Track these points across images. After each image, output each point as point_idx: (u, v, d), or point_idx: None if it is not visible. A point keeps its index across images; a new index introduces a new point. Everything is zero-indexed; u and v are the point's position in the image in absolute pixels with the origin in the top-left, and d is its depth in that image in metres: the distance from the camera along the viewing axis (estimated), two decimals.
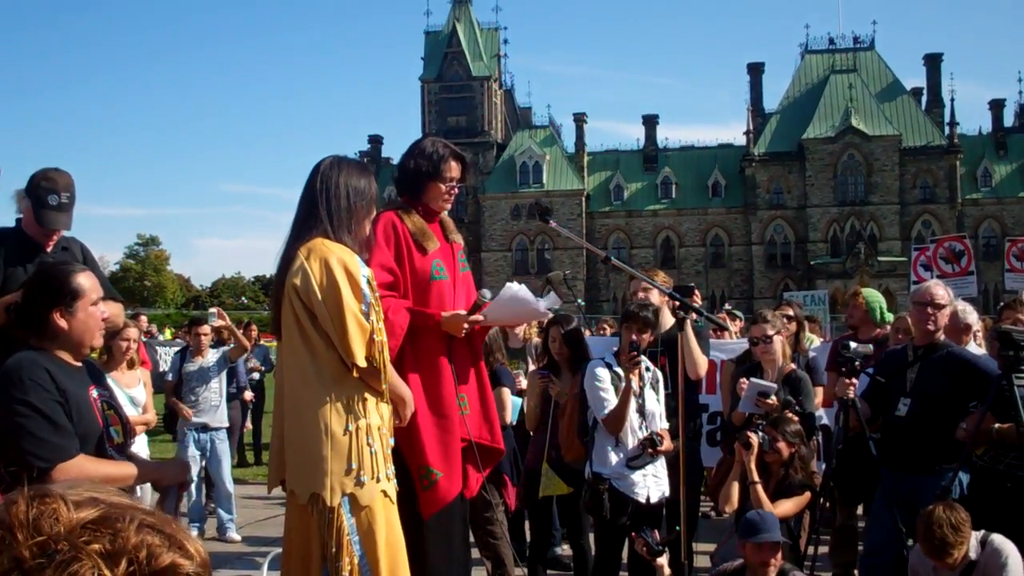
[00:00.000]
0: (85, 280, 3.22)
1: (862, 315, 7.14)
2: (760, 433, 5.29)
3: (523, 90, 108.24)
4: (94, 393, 3.25)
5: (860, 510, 7.16)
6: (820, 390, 6.48)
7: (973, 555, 4.42)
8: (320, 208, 3.50)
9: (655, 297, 5.68)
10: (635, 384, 5.17)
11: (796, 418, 5.60)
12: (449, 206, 4.30)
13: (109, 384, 3.62)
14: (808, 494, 5.37)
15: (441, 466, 4.04)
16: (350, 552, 3.36)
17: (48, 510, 0.75)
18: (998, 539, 4.46)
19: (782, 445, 5.34)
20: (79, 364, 3.26)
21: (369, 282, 3.44)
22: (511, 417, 6.52)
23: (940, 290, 5.42)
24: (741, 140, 68.90)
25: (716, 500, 6.59)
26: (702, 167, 68.62)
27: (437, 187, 4.20)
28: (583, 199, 67.49)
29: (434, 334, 4.10)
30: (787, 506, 5.30)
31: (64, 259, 4.17)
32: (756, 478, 5.25)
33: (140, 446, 6.66)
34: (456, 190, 4.29)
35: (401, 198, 4.33)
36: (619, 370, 5.24)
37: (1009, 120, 69.13)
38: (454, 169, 4.24)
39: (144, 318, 17.47)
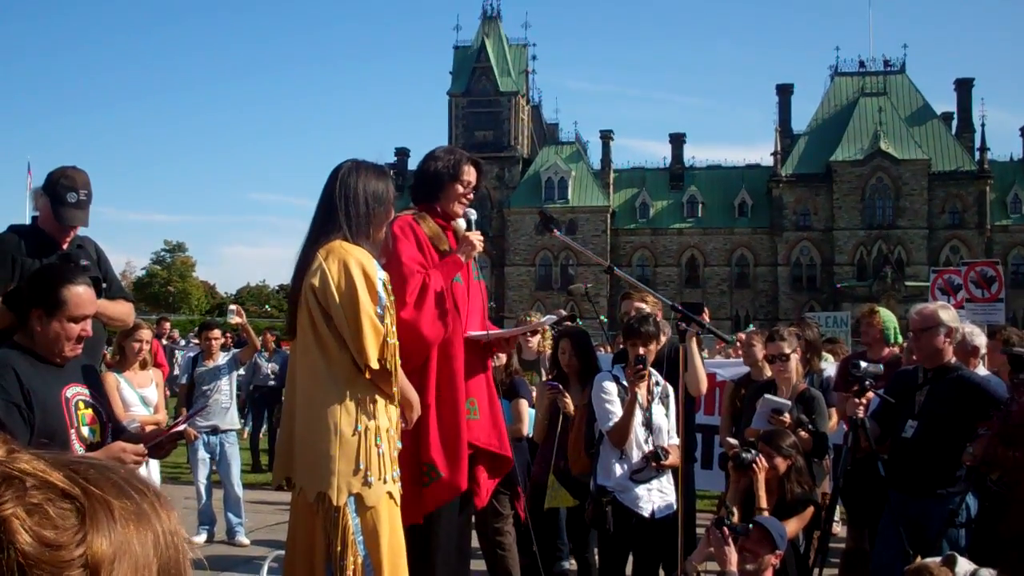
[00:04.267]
0: (76, 295, 3.24)
1: (877, 334, 7.09)
2: (753, 452, 5.20)
3: (551, 106, 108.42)
4: (69, 393, 3.27)
5: None
6: (833, 410, 6.42)
7: None
8: (339, 212, 3.56)
9: (649, 310, 5.71)
10: (641, 397, 5.15)
11: (803, 432, 5.54)
12: (462, 212, 4.33)
13: (103, 384, 3.63)
14: (811, 509, 5.31)
15: (445, 467, 4.05)
16: (355, 552, 3.41)
17: None
18: (985, 574, 4.35)
19: (779, 460, 5.27)
20: (60, 363, 3.28)
21: (385, 285, 3.51)
22: (528, 429, 6.49)
23: (920, 313, 5.29)
24: (769, 161, 68.55)
25: None
26: (729, 187, 68.36)
27: (455, 188, 4.29)
28: (608, 216, 67.40)
29: (454, 337, 4.14)
30: (792, 525, 5.25)
31: (79, 258, 4.22)
32: (764, 504, 5.17)
33: None
34: (472, 195, 4.37)
35: (417, 206, 4.37)
36: (627, 383, 5.22)
37: None
38: (471, 172, 4.36)
39: (168, 324, 17.59)
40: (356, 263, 3.42)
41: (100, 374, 3.83)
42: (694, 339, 5.50)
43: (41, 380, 3.17)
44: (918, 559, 4.37)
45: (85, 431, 3.29)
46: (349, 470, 3.39)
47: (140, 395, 6.92)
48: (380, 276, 3.49)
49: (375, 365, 3.41)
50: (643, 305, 5.95)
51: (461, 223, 4.30)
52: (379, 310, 3.43)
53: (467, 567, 4.44)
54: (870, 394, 5.30)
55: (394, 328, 3.50)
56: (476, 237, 4.19)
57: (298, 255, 3.63)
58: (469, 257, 4.20)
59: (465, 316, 4.21)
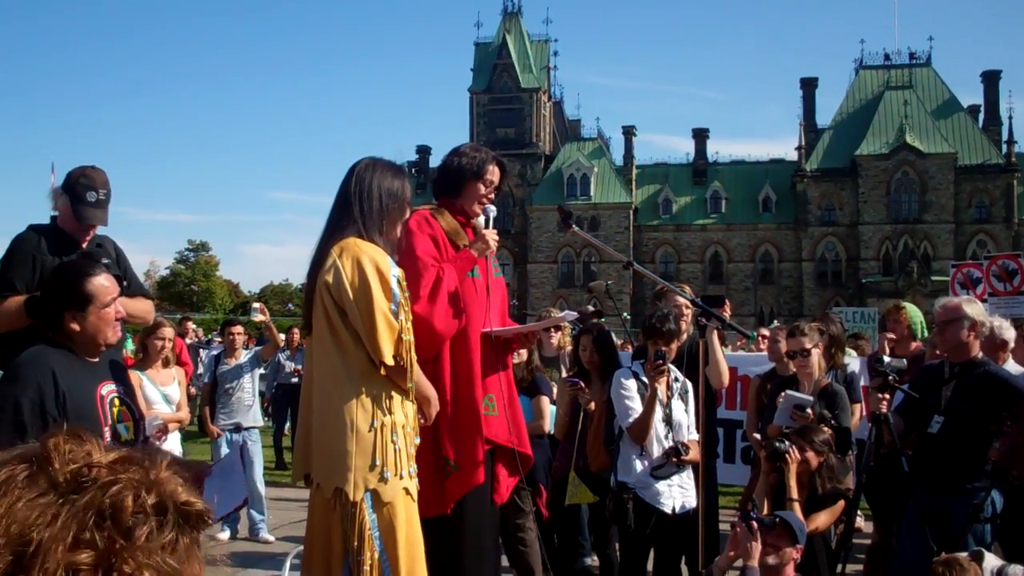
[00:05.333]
0: (97, 284, 3.30)
1: (904, 330, 7.04)
2: (787, 443, 5.16)
3: (572, 102, 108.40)
4: (104, 390, 3.31)
5: None
6: (857, 406, 6.37)
7: None
8: (354, 208, 3.57)
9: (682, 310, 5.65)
10: (661, 393, 5.13)
11: (825, 427, 5.49)
12: (481, 211, 4.29)
13: (130, 381, 3.67)
14: (842, 503, 5.25)
15: (460, 460, 4.05)
16: (371, 547, 3.41)
17: (82, 448, 0.83)
18: (1014, 570, 4.30)
19: (811, 455, 5.22)
20: (94, 359, 3.32)
21: (399, 282, 3.50)
22: (549, 426, 6.49)
23: (943, 306, 5.27)
24: (793, 155, 68.14)
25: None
26: (753, 182, 67.99)
27: (476, 187, 4.24)
28: (631, 212, 67.23)
29: (471, 333, 4.13)
30: (822, 518, 5.22)
31: (100, 256, 4.25)
32: (795, 495, 5.13)
33: (173, 444, 6.77)
34: (493, 195, 4.31)
35: (437, 201, 4.36)
36: (646, 379, 5.19)
37: None
38: (495, 173, 4.31)
39: (191, 323, 17.71)
40: (369, 260, 3.43)
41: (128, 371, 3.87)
42: (715, 332, 5.46)
43: (78, 379, 3.23)
44: (943, 555, 4.32)
45: (120, 428, 3.34)
46: (365, 466, 3.39)
47: (163, 393, 6.97)
48: (394, 273, 3.48)
49: (390, 361, 3.41)
50: (683, 301, 5.83)
51: (481, 220, 4.28)
52: (393, 306, 3.42)
53: (498, 564, 4.45)
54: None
55: (409, 324, 3.50)
56: (492, 235, 4.16)
57: (313, 251, 3.64)
58: (483, 254, 4.16)
59: (484, 312, 4.19)
